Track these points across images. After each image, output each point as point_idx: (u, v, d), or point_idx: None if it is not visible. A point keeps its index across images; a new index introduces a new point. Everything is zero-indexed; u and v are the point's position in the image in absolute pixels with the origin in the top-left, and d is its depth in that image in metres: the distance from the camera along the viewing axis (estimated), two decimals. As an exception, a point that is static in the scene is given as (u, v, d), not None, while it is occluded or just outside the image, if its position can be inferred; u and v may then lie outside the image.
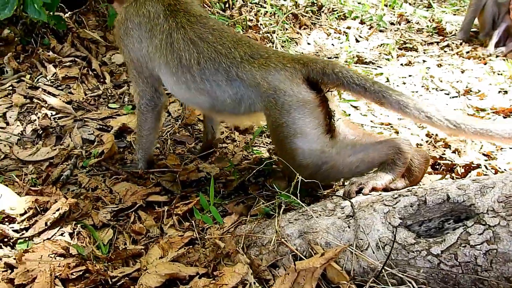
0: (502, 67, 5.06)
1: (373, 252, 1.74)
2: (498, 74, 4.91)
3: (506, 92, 4.46)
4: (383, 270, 1.67)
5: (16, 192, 2.50)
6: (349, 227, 1.86)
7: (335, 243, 1.84)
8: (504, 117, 3.91)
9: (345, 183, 2.47)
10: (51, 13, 3.88)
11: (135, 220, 2.44)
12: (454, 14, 7.23)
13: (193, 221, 2.35)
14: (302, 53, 5.10)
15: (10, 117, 3.36)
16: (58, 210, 2.35)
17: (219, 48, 2.41)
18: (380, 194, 2.01)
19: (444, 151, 3.01)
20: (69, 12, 4.39)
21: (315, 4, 6.24)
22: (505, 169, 2.84)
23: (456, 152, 3.02)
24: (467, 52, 5.60)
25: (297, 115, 2.25)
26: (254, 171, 2.56)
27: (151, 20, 2.51)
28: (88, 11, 4.47)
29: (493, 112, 3.95)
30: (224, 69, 2.38)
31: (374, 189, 2.18)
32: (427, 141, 3.19)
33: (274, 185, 2.55)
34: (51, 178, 2.80)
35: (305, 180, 2.16)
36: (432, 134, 3.31)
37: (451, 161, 2.84)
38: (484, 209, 1.61)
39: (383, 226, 1.78)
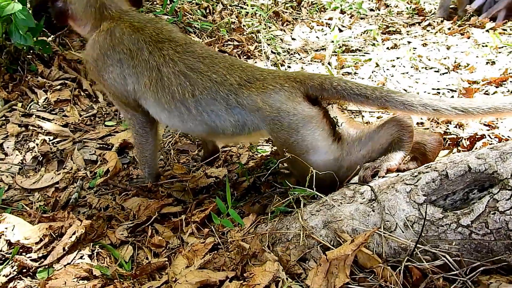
0: (485, 39, 5.12)
1: (402, 232, 1.74)
2: (483, 46, 4.97)
3: (493, 62, 4.51)
4: (415, 248, 1.66)
5: (28, 221, 2.45)
6: (373, 210, 1.85)
7: (361, 228, 1.83)
8: (497, 87, 3.96)
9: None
10: (35, 38, 3.83)
11: (152, 234, 2.41)
12: (430, -6, 7.32)
13: (212, 227, 2.33)
14: (289, 49, 5.10)
15: (7, 148, 3.30)
16: (74, 233, 2.31)
17: (213, 76, 2.32)
18: (398, 175, 2.00)
19: (448, 126, 3.03)
20: (52, 36, 4.34)
21: (294, 0, 6.26)
22: (508, 136, 2.87)
23: (459, 126, 3.04)
24: (449, 29, 5.66)
25: (305, 131, 2.23)
26: (269, 172, 2.54)
27: (134, 58, 2.38)
28: (71, 32, 4.42)
29: (486, 83, 3.99)
30: (223, 97, 2.30)
31: (389, 170, 2.18)
32: (428, 118, 3.20)
33: (285, 182, 2.54)
34: (59, 203, 2.76)
35: (320, 173, 2.16)
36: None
37: (456, 135, 2.86)
38: (507, 175, 1.62)
39: (408, 205, 1.78)
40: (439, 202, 1.76)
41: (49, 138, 3.37)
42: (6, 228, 2.33)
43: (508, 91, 3.86)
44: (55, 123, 3.52)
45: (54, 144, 3.34)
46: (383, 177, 2.13)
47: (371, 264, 1.76)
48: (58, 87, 3.86)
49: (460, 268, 1.63)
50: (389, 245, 1.76)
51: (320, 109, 2.30)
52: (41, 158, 3.22)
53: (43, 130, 3.43)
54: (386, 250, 1.76)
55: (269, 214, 2.20)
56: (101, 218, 2.56)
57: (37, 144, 3.29)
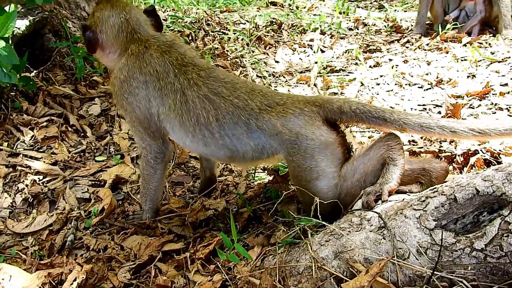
0: (463, 53, 5.25)
1: (417, 259, 1.73)
2: (462, 60, 5.10)
3: (474, 76, 4.63)
4: (432, 275, 1.65)
5: (24, 269, 2.36)
6: (384, 238, 1.84)
7: (374, 257, 1.82)
8: (480, 100, 4.05)
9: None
10: (19, 75, 3.76)
11: (156, 274, 2.34)
12: (405, 11, 7.51)
13: (217, 262, 2.28)
14: (274, 72, 5.14)
15: (-5, 191, 3.19)
16: (74, 280, 2.22)
17: (235, 101, 2.37)
18: (404, 200, 2.01)
19: (441, 144, 3.06)
20: (35, 71, 4.27)
21: (274, 23, 6.33)
22: (500, 150, 2.91)
23: (450, 142, 3.09)
24: (427, 45, 5.79)
25: (320, 157, 2.28)
26: (277, 203, 2.53)
27: (160, 79, 2.44)
28: (53, 67, 4.36)
29: (470, 97, 4.08)
30: (244, 122, 2.35)
31: (390, 192, 2.19)
32: (421, 137, 3.24)
33: (287, 213, 2.53)
34: (55, 247, 2.67)
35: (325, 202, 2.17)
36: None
37: (451, 152, 2.90)
38: (516, 196, 1.64)
39: (419, 231, 1.77)
40: (449, 226, 1.76)
41: (38, 178, 3.28)
42: (3, 279, 2.23)
43: (492, 103, 3.96)
44: (44, 162, 3.43)
45: (45, 184, 3.24)
46: (386, 201, 2.14)
47: (387, 294, 1.74)
48: (45, 123, 3.78)
49: (478, 292, 1.63)
50: (404, 273, 1.75)
51: (338, 135, 2.35)
52: (32, 199, 3.12)
53: (31, 170, 3.33)
54: (401, 278, 1.75)
55: (277, 246, 2.17)
56: (100, 260, 2.49)
57: (26, 185, 3.19)
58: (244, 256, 2.25)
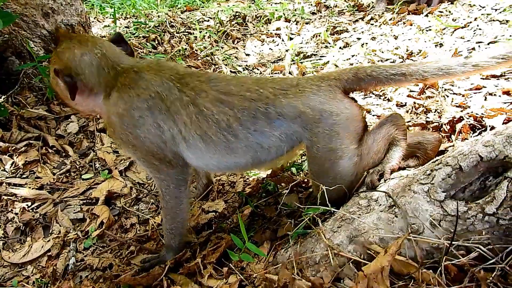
0: (427, 23, 5.35)
1: (432, 232, 1.76)
2: (427, 31, 5.19)
3: (441, 44, 4.72)
4: (450, 245, 1.69)
5: (32, 301, 2.29)
6: (396, 216, 1.87)
7: (389, 236, 1.84)
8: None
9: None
10: (-12, 102, 3.62)
11: (169, 284, 2.31)
12: (363, -11, 7.58)
13: (229, 264, 2.26)
14: (247, 65, 5.11)
15: (-17, 224, 3.07)
16: (88, 303, 2.18)
17: (247, 94, 2.21)
18: (408, 176, 2.04)
19: (427, 115, 3.12)
20: (3, 96, 4.10)
21: (238, 17, 6.29)
22: (482, 114, 2.99)
23: (437, 113, 3.15)
24: (391, 19, 5.88)
25: (345, 133, 2.16)
26: (278, 195, 2.49)
27: (164, 100, 2.22)
28: (22, 89, 4.20)
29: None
30: (262, 112, 2.19)
31: (392, 171, 2.22)
32: (407, 111, 3.29)
33: (290, 203, 2.54)
34: (58, 272, 2.60)
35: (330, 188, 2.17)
36: (406, 103, 3.44)
37: (438, 122, 2.96)
38: (519, 157, 1.68)
39: (430, 204, 1.80)
40: (458, 195, 1.80)
41: (27, 205, 3.17)
42: (12, 314, 2.16)
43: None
44: (30, 187, 3.32)
45: (35, 210, 3.14)
46: (388, 179, 2.17)
47: (407, 270, 1.77)
48: (23, 148, 3.65)
49: (495, 256, 1.67)
50: (420, 247, 1.78)
51: (360, 107, 2.26)
52: (24, 227, 3.02)
53: (18, 197, 3.22)
54: (418, 253, 1.78)
55: (290, 238, 2.16)
56: (107, 279, 2.43)
57: (16, 214, 3.08)
58: (256, 254, 2.24)
